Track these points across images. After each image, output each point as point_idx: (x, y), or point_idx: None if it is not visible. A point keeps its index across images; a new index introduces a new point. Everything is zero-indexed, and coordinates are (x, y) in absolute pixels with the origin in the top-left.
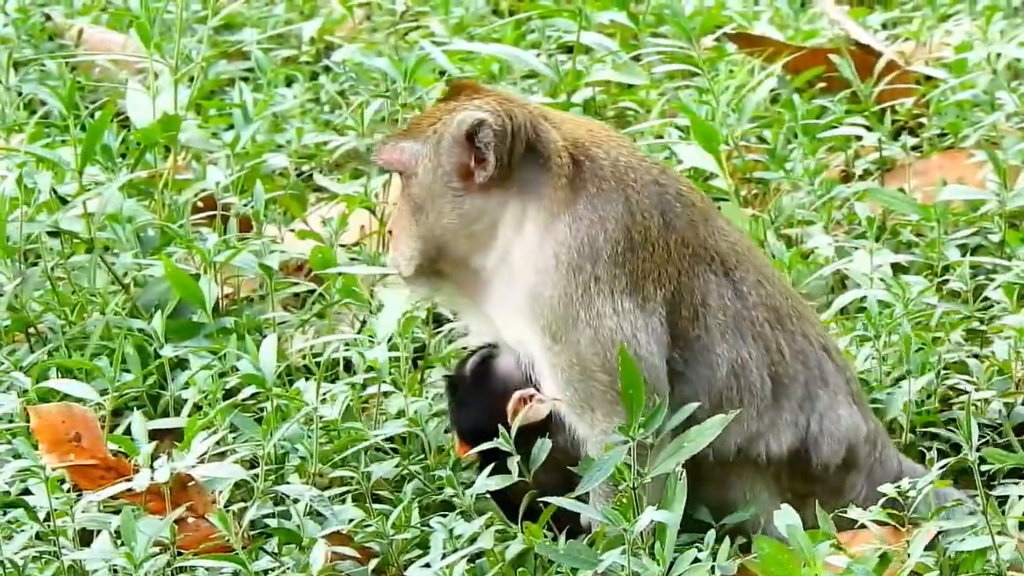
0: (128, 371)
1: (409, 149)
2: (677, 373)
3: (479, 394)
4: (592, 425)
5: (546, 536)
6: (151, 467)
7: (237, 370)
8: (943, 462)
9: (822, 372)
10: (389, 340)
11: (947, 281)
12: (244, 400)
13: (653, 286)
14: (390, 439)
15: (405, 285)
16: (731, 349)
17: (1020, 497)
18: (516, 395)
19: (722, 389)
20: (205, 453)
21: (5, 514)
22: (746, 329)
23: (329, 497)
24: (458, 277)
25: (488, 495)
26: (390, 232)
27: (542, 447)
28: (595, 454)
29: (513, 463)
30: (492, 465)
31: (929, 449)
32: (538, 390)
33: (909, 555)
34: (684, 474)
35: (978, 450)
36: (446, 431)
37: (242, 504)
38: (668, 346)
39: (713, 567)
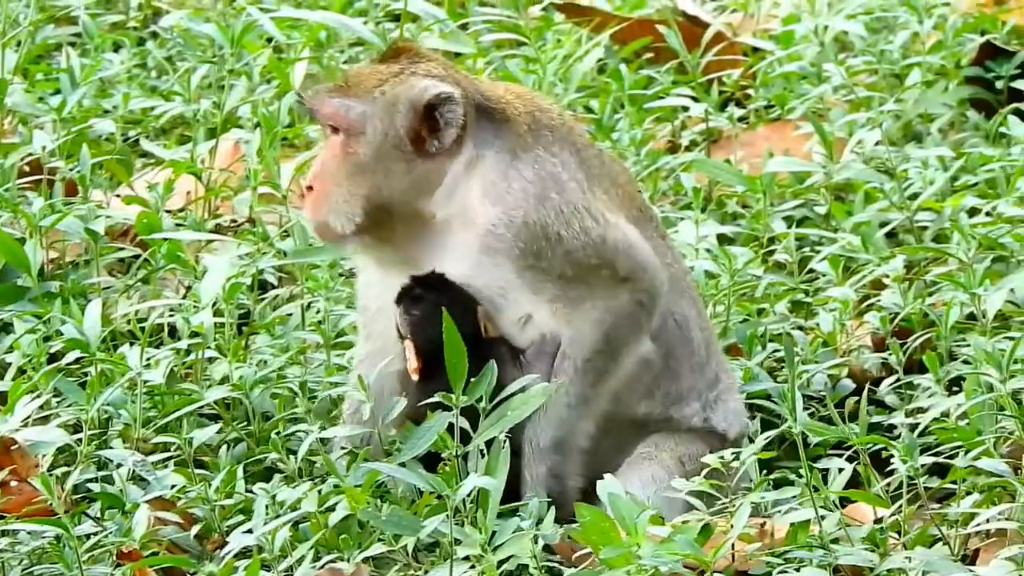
0: None
1: (356, 109)
2: None
3: (438, 306)
4: (592, 307)
5: (371, 502)
6: None
7: (61, 334)
8: (767, 434)
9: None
10: (214, 306)
11: (773, 252)
12: (68, 365)
13: (626, 217)
14: (214, 405)
15: (334, 244)
16: (675, 303)
17: (840, 470)
18: (482, 308)
19: (669, 339)
20: (28, 417)
21: None
22: (683, 289)
23: (152, 462)
24: (403, 232)
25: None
26: (309, 188)
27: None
28: (593, 330)
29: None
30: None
31: (753, 419)
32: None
33: (732, 526)
34: (507, 442)
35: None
36: (401, 335)
37: (65, 468)
38: None
39: (536, 536)
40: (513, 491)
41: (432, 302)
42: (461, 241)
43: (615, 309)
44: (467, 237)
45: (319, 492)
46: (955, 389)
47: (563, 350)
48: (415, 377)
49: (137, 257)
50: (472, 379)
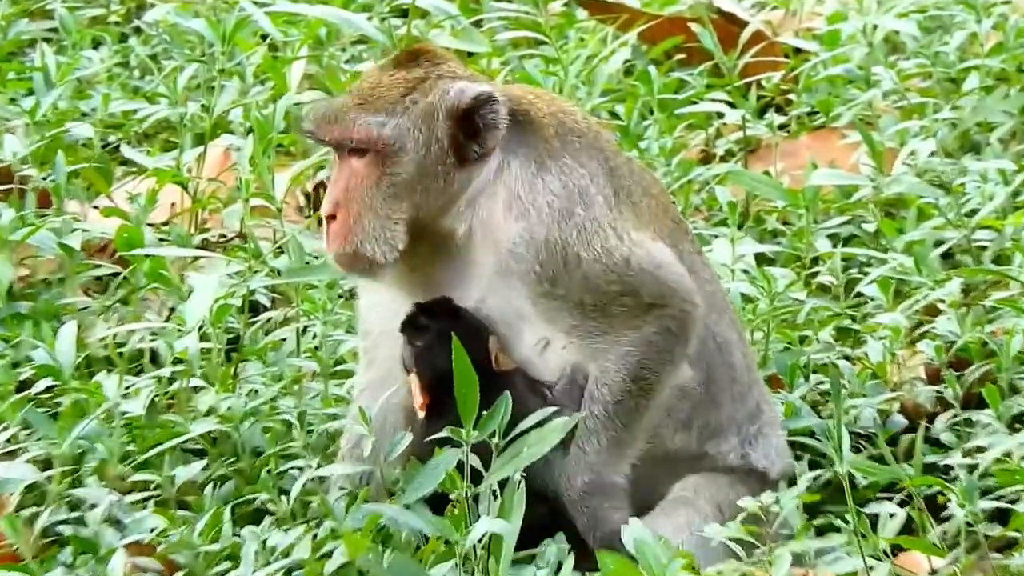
0: None
1: (390, 124)
2: None
3: (447, 338)
4: (616, 341)
5: (371, 548)
6: None
7: (32, 360)
8: (811, 474)
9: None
10: (200, 329)
11: (816, 274)
12: (39, 394)
13: (656, 233)
14: (200, 439)
15: (365, 275)
16: (715, 324)
17: (891, 515)
18: (493, 338)
19: (710, 363)
20: None
21: None
22: (723, 308)
23: (130, 503)
24: (425, 253)
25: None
26: (331, 217)
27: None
28: (619, 368)
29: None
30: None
31: (799, 460)
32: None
33: None
34: (523, 482)
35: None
36: (405, 367)
37: (34, 509)
38: None
39: None
40: (529, 535)
41: (437, 331)
42: (479, 260)
43: (641, 341)
44: (486, 256)
45: (314, 537)
46: (1017, 426)
47: (589, 390)
48: (421, 413)
49: (116, 275)
50: (484, 413)
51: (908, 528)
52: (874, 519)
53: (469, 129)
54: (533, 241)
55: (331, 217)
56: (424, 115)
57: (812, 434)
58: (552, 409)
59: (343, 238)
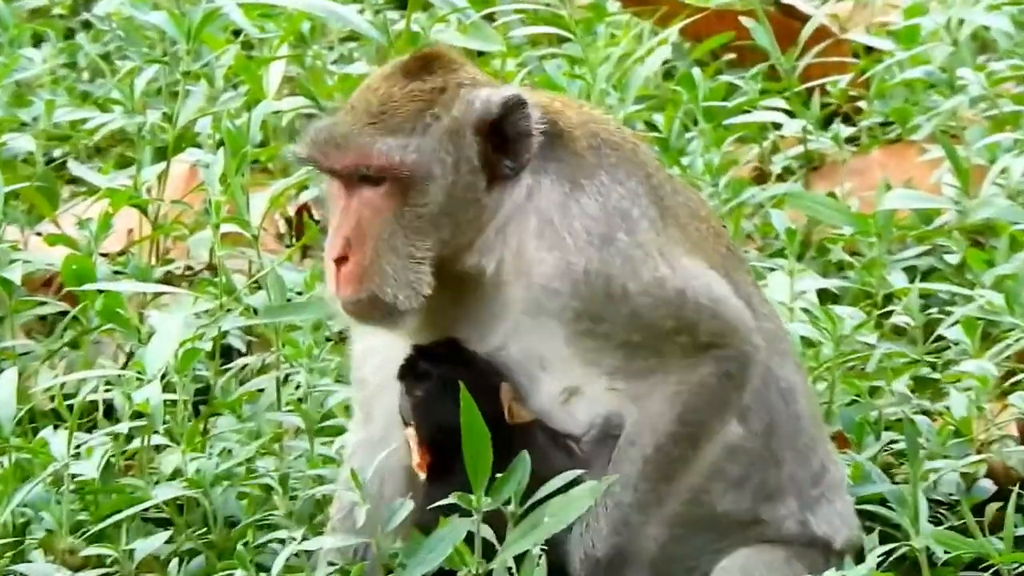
0: None
1: (414, 147)
2: None
3: (452, 386)
4: (663, 381)
5: None
6: None
7: None
8: (883, 549)
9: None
10: (163, 378)
11: (890, 314)
12: None
13: (709, 261)
14: (163, 507)
15: (383, 323)
16: (779, 367)
17: None
18: (506, 386)
19: (771, 413)
20: None
21: None
22: (785, 351)
23: None
24: (442, 292)
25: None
26: (340, 259)
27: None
28: (665, 411)
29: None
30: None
31: (868, 532)
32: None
33: None
34: (543, 557)
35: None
36: (404, 422)
37: None
38: None
39: None
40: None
41: (440, 378)
42: (506, 298)
43: (694, 384)
44: (514, 293)
45: None
46: None
47: (627, 434)
48: (422, 475)
49: (64, 314)
50: (498, 476)
51: None
52: None
53: (499, 142)
54: (570, 273)
55: (341, 259)
56: (449, 133)
57: (883, 501)
58: (579, 471)
59: (357, 283)
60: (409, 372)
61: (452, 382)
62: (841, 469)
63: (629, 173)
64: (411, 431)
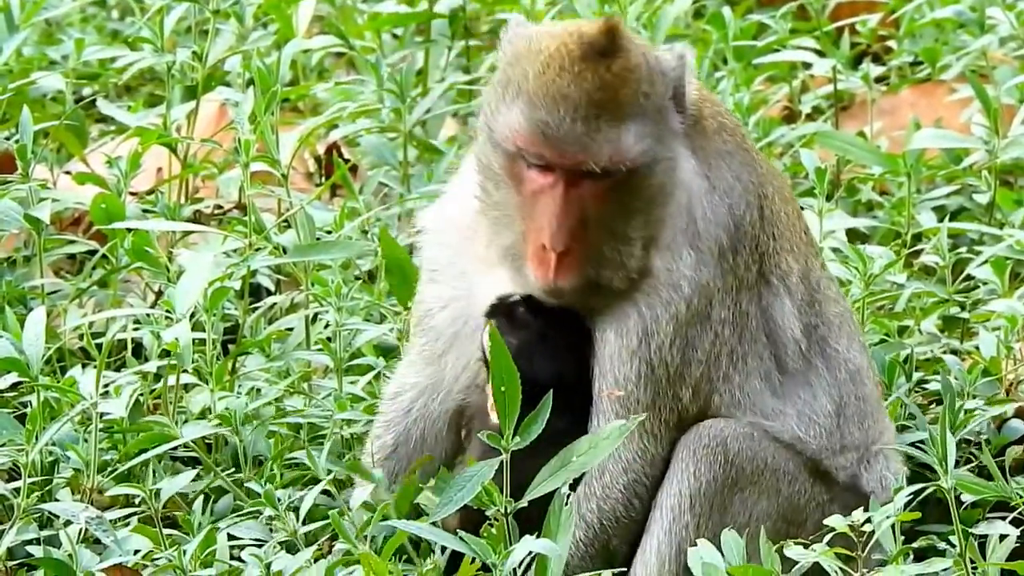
0: None
1: (641, 134)
2: (792, 373)
3: (547, 341)
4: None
5: (394, 573)
6: None
7: None
8: (911, 488)
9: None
10: (192, 317)
11: (919, 253)
12: (3, 392)
13: (786, 264)
14: (191, 445)
15: (582, 304)
16: (847, 350)
17: (1002, 537)
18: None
19: (843, 395)
20: None
21: None
22: (852, 332)
23: (110, 520)
24: None
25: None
26: (562, 252)
27: None
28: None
29: None
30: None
31: (895, 472)
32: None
33: None
34: (571, 496)
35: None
36: (485, 363)
37: None
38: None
39: None
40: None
41: (539, 332)
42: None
43: None
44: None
45: (327, 561)
46: None
47: None
48: (494, 415)
49: (93, 253)
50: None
51: (1022, 552)
52: (983, 542)
53: (678, 102)
54: (696, 281)
55: (564, 253)
56: (658, 109)
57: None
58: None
59: (577, 270)
60: (506, 315)
61: (548, 337)
62: (892, 428)
63: (744, 159)
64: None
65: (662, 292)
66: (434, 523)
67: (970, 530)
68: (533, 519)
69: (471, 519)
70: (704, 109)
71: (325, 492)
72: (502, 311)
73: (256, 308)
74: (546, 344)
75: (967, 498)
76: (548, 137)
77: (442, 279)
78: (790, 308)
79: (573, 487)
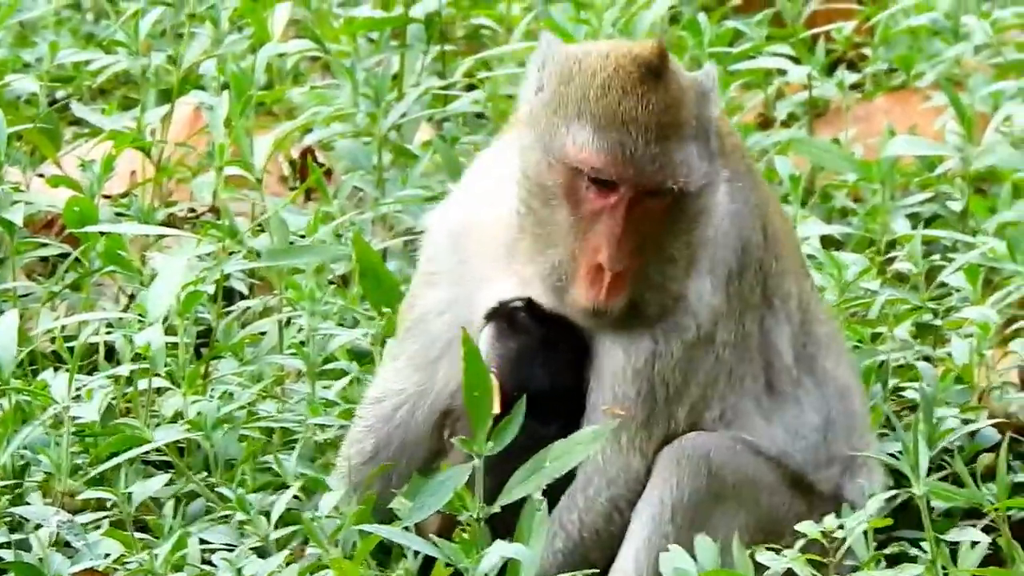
0: None
1: (697, 155)
2: (781, 392)
3: (546, 345)
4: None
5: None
6: None
7: None
8: (884, 495)
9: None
10: (164, 321)
11: (893, 260)
12: None
13: (787, 288)
14: (164, 449)
15: (619, 328)
16: (835, 367)
17: (973, 544)
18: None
19: (830, 411)
20: None
21: None
22: (841, 351)
23: (81, 524)
24: None
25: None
26: (617, 273)
27: None
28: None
29: None
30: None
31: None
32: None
33: None
34: (545, 502)
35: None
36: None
37: None
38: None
39: None
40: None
41: (540, 338)
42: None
43: None
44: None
45: (299, 565)
46: None
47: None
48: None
49: (66, 256)
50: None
51: (994, 559)
52: (954, 548)
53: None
54: (709, 305)
55: (619, 275)
56: (706, 133)
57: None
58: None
59: (624, 291)
60: (506, 320)
61: (548, 343)
62: (875, 441)
63: (755, 183)
64: (492, 378)
65: (681, 317)
66: (406, 528)
67: (942, 537)
68: (513, 528)
69: (449, 524)
70: (722, 127)
71: (297, 497)
72: (503, 315)
73: (229, 312)
74: (546, 351)
75: (939, 505)
76: (623, 158)
77: (442, 282)
78: (788, 333)
79: (548, 493)
